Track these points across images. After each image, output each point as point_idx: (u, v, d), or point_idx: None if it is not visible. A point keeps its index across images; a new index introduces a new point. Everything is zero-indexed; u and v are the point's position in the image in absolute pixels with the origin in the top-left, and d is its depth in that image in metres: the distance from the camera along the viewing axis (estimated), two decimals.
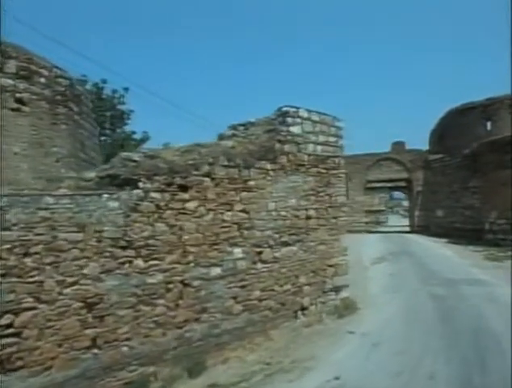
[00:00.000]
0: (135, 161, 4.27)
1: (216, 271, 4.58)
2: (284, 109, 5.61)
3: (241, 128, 5.77)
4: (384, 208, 28.50)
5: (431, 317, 5.61)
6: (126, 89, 14.41)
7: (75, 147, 7.88)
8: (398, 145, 19.67)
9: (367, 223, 26.33)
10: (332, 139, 6.18)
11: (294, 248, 5.44)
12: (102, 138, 13.39)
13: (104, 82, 14.02)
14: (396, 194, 35.56)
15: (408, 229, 20.73)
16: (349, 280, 8.32)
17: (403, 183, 20.98)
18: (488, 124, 19.60)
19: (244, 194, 4.94)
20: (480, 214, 14.31)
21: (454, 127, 20.81)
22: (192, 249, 4.40)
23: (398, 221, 31.09)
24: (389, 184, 25.40)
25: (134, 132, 14.66)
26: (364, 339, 4.89)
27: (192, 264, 4.38)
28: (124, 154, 4.38)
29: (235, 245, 4.79)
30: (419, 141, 51.49)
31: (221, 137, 5.65)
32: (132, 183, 4.15)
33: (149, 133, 15.67)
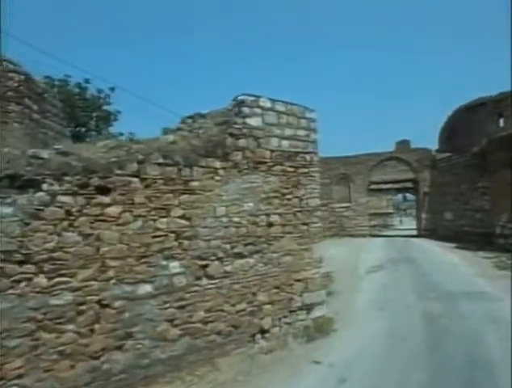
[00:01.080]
0: (42, 158, 3.57)
1: (146, 288, 3.81)
2: (241, 98, 4.83)
3: (190, 121, 5.02)
4: (391, 211, 27.28)
5: (418, 343, 4.69)
6: (112, 89, 13.93)
7: (35, 148, 7.29)
8: (403, 144, 18.57)
9: (374, 226, 25.26)
10: (302, 132, 5.36)
11: (251, 260, 4.63)
12: (88, 139, 12.89)
13: (87, 81, 13.53)
14: (410, 196, 34.24)
15: (415, 232, 19.55)
16: (335, 292, 7.52)
17: (409, 184, 19.84)
18: (501, 121, 18.39)
19: (184, 197, 4.18)
20: (491, 217, 13.15)
21: (464, 125, 19.62)
22: (113, 263, 3.65)
23: (410, 224, 29.75)
24: (396, 186, 24.29)
25: (122, 134, 14.16)
26: (330, 373, 4.03)
27: (113, 281, 3.63)
28: (31, 151, 3.68)
29: (171, 258, 4.02)
30: (425, 140, 49.87)
31: (166, 132, 4.91)
32: (36, 185, 3.45)
33: (136, 135, 15.11)
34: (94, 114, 13.42)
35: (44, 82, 8.39)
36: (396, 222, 33.23)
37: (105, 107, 13.94)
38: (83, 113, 12.61)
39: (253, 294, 4.60)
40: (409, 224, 29.74)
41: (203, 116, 5.07)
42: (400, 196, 37.58)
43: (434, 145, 19.93)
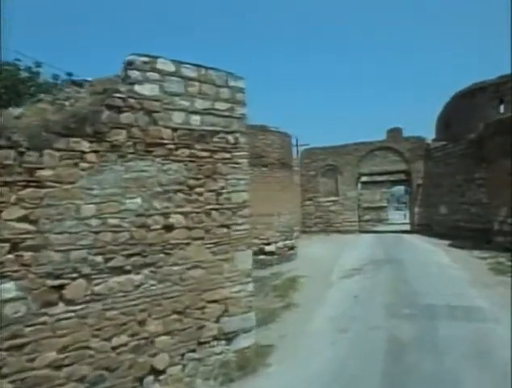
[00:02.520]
0: None
1: None
2: (129, 58, 3.57)
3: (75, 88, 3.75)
4: (385, 205, 25.90)
5: None
6: (69, 74, 12.71)
7: None
8: (394, 133, 17.15)
9: (367, 221, 24.00)
10: (222, 105, 4.08)
11: (137, 277, 3.40)
12: None
13: (38, 65, 12.32)
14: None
15: (409, 228, 18.24)
16: (293, 305, 6.28)
17: (403, 176, 18.47)
18: (502, 107, 16.93)
19: (28, 191, 2.94)
20: (488, 211, 11.82)
21: (462, 112, 18.13)
22: None
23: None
24: (391, 178, 22.95)
25: None
26: None
27: None
28: None
29: (1, 277, 2.81)
30: (419, 129, 48.38)
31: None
32: None
33: None
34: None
35: None
36: (398, 216, 31.85)
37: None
38: (32, 99, 11.40)
39: (141, 323, 3.38)
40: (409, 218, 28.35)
41: (90, 83, 3.79)
42: (401, 189, 36.15)
43: (430, 135, 18.51)
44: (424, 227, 16.35)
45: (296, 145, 24.89)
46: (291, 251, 10.53)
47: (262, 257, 9.69)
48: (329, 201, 17.78)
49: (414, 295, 6.49)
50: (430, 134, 18.10)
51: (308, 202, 18.05)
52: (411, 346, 4.31)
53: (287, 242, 10.31)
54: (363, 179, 21.99)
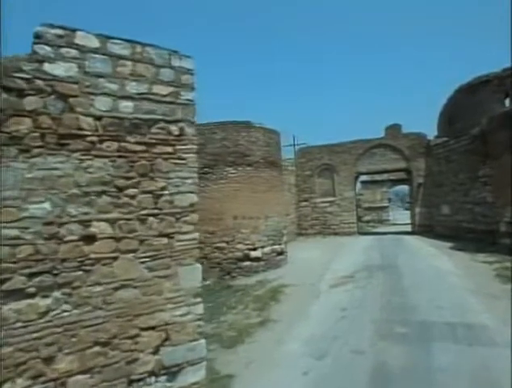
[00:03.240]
0: None
1: None
2: (39, 30, 2.89)
3: None
4: (386, 205, 25.04)
5: None
6: None
7: None
8: (393, 129, 16.33)
9: (367, 222, 23.20)
10: (162, 90, 3.38)
11: (44, 301, 2.70)
12: None
13: None
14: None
15: (410, 228, 17.42)
16: (270, 322, 5.54)
17: (403, 175, 17.64)
18: (507, 101, 16.07)
19: None
20: (494, 211, 10.99)
21: (465, 107, 17.27)
22: None
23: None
24: (392, 177, 22.15)
25: None
26: None
27: None
28: None
29: None
30: (418, 126, 46.98)
31: None
32: None
33: None
34: None
35: None
36: (401, 216, 30.83)
37: None
38: None
39: (47, 360, 2.68)
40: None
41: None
42: (405, 188, 35.20)
43: (431, 133, 17.67)
44: (425, 228, 15.53)
45: (294, 145, 24.15)
46: (281, 257, 9.80)
47: (247, 263, 8.98)
48: (325, 202, 17.01)
49: (409, 310, 5.73)
50: (431, 132, 17.27)
51: (303, 203, 17.30)
52: (398, 379, 3.57)
53: (276, 246, 9.59)
54: (363, 178, 21.23)
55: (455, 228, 13.42)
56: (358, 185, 24.84)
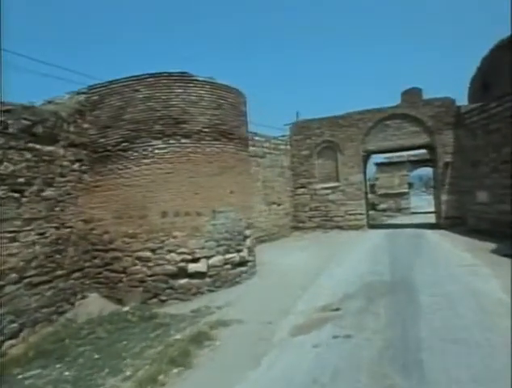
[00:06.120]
0: None
1: None
2: None
3: None
4: (406, 190, 21.33)
5: None
6: None
7: None
8: (412, 95, 12.72)
9: (383, 211, 19.81)
10: None
11: None
12: None
13: None
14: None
15: (434, 220, 14.01)
16: None
17: (426, 155, 14.09)
18: None
19: None
20: None
21: (504, 68, 13.57)
22: None
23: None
24: (412, 158, 18.53)
25: None
26: None
27: None
28: None
29: None
30: (442, 91, 40.22)
31: None
32: None
33: None
34: None
35: None
36: (422, 203, 27.02)
37: None
38: None
39: None
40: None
41: None
42: (430, 171, 31.10)
43: (461, 102, 13.89)
44: (455, 220, 12.13)
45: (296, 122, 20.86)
46: (241, 269, 6.84)
47: (183, 281, 6.09)
48: (327, 188, 13.78)
49: None
50: (461, 101, 13.51)
51: (300, 190, 14.13)
52: None
53: (232, 255, 6.63)
54: (378, 159, 17.75)
55: (495, 221, 10.00)
56: (373, 168, 21.39)
